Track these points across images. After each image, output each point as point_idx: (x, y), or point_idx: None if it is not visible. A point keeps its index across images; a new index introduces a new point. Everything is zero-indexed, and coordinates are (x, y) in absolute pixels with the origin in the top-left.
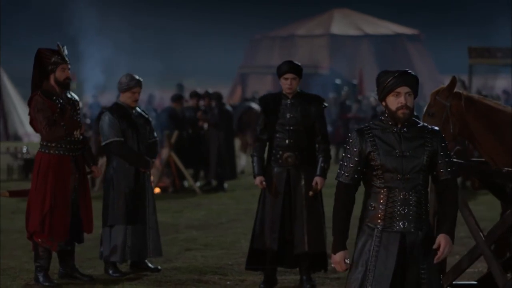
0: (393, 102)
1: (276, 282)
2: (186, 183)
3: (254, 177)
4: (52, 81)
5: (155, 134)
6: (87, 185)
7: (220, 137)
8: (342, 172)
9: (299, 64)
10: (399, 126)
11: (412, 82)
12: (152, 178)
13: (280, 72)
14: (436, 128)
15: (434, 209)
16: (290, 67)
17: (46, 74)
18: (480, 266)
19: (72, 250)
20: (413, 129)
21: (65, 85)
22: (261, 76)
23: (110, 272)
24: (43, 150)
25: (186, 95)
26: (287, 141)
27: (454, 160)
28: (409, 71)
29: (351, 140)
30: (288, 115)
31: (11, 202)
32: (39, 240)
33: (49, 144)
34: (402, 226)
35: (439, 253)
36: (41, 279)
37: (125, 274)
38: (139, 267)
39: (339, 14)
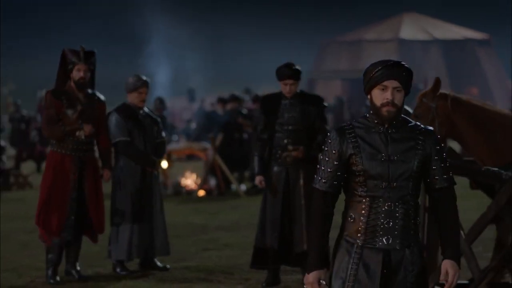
0: (378, 96)
1: (279, 281)
2: (233, 187)
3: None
4: (71, 80)
5: (163, 134)
6: (99, 185)
7: None
8: (319, 178)
9: (299, 68)
10: (386, 125)
11: (403, 76)
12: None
13: (280, 76)
14: (430, 128)
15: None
16: (290, 74)
17: (68, 74)
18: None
19: (74, 248)
20: (403, 129)
21: (79, 84)
22: (329, 81)
23: (118, 270)
24: (50, 147)
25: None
26: (285, 141)
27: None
28: (402, 63)
29: (329, 141)
30: (286, 115)
31: None
32: (39, 233)
33: (53, 142)
34: (385, 242)
35: (447, 283)
36: (47, 274)
37: (132, 273)
38: (148, 266)
39: (409, 18)
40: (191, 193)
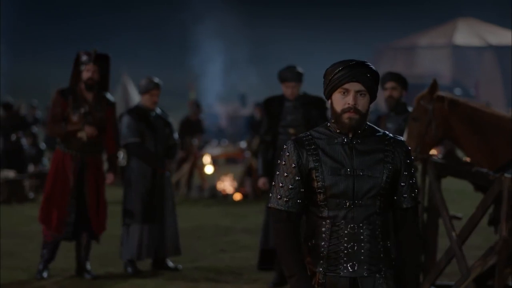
0: (339, 101)
1: (286, 281)
2: None
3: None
4: (82, 81)
5: (175, 136)
6: (101, 187)
7: None
8: (278, 196)
9: (301, 71)
10: (350, 135)
11: (367, 78)
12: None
13: (283, 79)
14: (400, 138)
15: None
16: (292, 77)
17: (80, 75)
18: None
19: (81, 246)
20: (370, 139)
21: (88, 85)
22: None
23: (128, 269)
24: (57, 145)
25: None
26: None
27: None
28: (367, 63)
29: (287, 154)
30: (289, 117)
31: None
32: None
33: (59, 141)
34: (350, 269)
35: None
36: (38, 268)
37: (142, 272)
38: (159, 266)
39: (463, 24)
40: (227, 196)
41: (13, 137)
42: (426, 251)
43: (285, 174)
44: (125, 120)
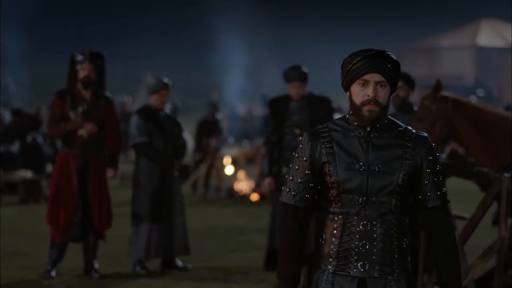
0: (358, 93)
1: None
2: None
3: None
4: (78, 81)
5: (184, 136)
6: (104, 185)
7: None
8: (288, 189)
9: (306, 71)
10: (368, 128)
11: (387, 68)
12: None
13: (288, 79)
14: (424, 134)
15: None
16: (298, 77)
17: (76, 75)
18: None
19: (89, 246)
20: (389, 134)
21: (84, 83)
22: None
23: (137, 269)
24: (60, 147)
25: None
26: (293, 143)
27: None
28: (387, 52)
29: (301, 146)
30: (295, 117)
31: None
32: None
33: (61, 141)
34: (361, 268)
35: None
36: (46, 268)
37: (151, 272)
38: (168, 265)
39: (486, 25)
40: (244, 197)
41: (29, 138)
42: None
43: (296, 167)
44: (134, 120)
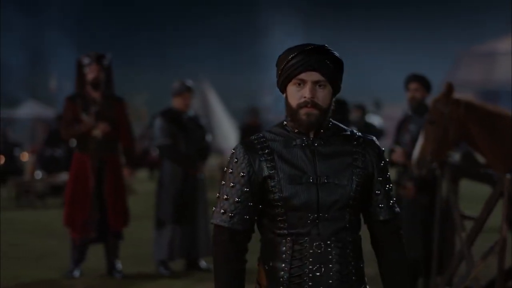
0: (294, 94)
1: None
2: None
3: None
4: (87, 83)
5: (208, 138)
6: (120, 185)
7: None
8: (222, 210)
9: None
10: (312, 135)
11: (327, 66)
12: None
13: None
14: (371, 137)
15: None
16: None
17: (85, 78)
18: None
19: (109, 246)
20: (335, 140)
21: (94, 85)
22: (461, 92)
23: (161, 269)
24: (76, 149)
25: (385, 111)
26: None
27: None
28: (327, 47)
29: (235, 160)
30: None
31: None
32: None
33: (76, 143)
34: None
35: None
36: (70, 268)
37: (174, 272)
38: (193, 266)
39: None
40: None
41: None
42: (446, 253)
43: (231, 184)
44: (158, 122)
